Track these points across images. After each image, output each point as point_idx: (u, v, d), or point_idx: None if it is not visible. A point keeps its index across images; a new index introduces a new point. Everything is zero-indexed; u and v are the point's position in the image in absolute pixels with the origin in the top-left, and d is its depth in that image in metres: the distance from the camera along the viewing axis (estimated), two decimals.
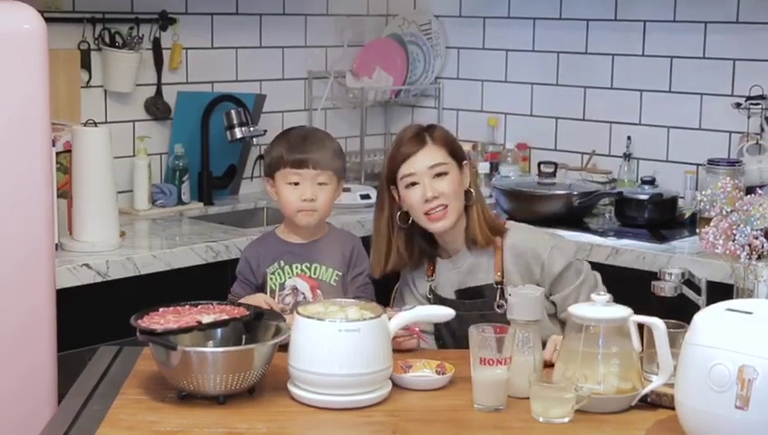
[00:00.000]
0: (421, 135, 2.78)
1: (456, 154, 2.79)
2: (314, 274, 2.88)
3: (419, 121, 4.75)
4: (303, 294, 2.85)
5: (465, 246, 2.82)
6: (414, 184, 2.75)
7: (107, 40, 3.93)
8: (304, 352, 2.26)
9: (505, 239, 2.80)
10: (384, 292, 3.13)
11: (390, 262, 2.84)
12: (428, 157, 2.75)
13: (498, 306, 2.72)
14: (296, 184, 2.84)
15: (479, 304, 2.75)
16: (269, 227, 3.12)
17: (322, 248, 2.90)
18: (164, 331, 2.29)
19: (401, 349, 2.56)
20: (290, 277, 2.87)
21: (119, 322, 2.48)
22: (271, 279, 2.87)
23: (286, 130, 2.99)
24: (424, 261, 2.86)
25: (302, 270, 2.88)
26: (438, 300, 2.82)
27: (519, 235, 2.82)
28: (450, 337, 2.79)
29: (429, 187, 2.73)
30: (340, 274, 2.88)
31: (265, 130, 4.10)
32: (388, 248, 2.83)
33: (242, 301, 2.70)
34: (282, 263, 2.88)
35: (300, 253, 2.89)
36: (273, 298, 2.83)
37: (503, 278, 2.77)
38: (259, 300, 2.71)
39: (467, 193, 2.80)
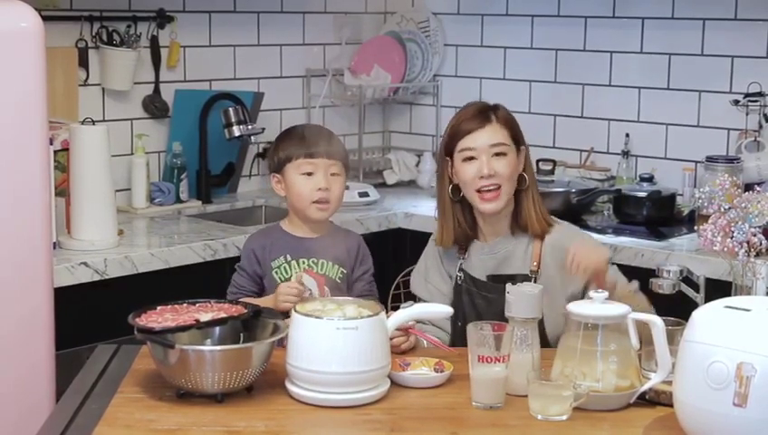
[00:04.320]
0: (486, 113, 2.78)
1: (516, 137, 2.80)
2: (321, 269, 2.87)
3: (418, 119, 4.83)
4: (311, 290, 2.85)
5: (508, 231, 2.81)
6: (471, 159, 2.75)
7: (104, 38, 3.93)
8: (302, 350, 2.26)
9: (553, 231, 2.80)
10: (383, 291, 3.14)
11: (461, 232, 2.82)
12: (491, 135, 2.75)
13: None
14: (309, 174, 2.84)
15: None
16: (281, 223, 3.11)
17: (328, 245, 2.89)
18: (162, 329, 2.29)
19: (399, 352, 2.54)
20: (296, 272, 2.86)
21: (117, 320, 2.48)
22: (276, 273, 2.86)
23: (292, 128, 2.98)
24: (466, 241, 2.84)
25: (308, 265, 2.87)
26: (470, 280, 2.81)
27: (563, 231, 2.83)
28: (477, 319, 2.71)
29: (487, 164, 2.73)
30: (345, 271, 2.88)
31: (263, 129, 4.10)
32: (453, 218, 2.82)
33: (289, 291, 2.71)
34: (288, 257, 2.86)
35: (306, 247, 2.87)
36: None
37: (538, 268, 2.76)
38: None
39: (521, 178, 2.80)
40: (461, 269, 2.84)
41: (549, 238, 2.79)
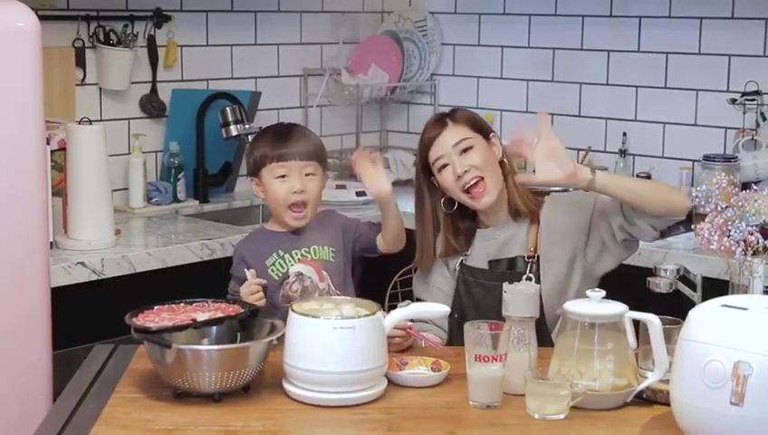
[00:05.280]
0: (442, 119, 2.84)
1: (481, 128, 2.85)
2: (315, 255, 2.88)
3: (415, 118, 4.83)
4: (310, 278, 2.85)
5: (508, 217, 2.85)
6: (445, 166, 2.79)
7: (101, 38, 3.93)
8: (299, 350, 2.26)
9: (542, 210, 2.85)
10: (380, 291, 3.14)
11: (439, 252, 2.87)
12: (451, 135, 2.80)
13: (527, 279, 2.73)
14: (283, 177, 2.85)
15: (508, 275, 2.73)
16: (265, 225, 3.14)
17: (314, 229, 2.91)
18: (159, 329, 2.29)
19: (398, 350, 2.55)
20: (291, 265, 2.87)
21: (114, 320, 2.47)
22: (273, 271, 2.87)
23: (264, 129, 3.01)
24: (471, 239, 2.88)
25: (302, 255, 2.88)
26: (466, 270, 2.84)
27: (556, 196, 2.92)
28: (473, 310, 2.78)
29: (458, 163, 2.77)
30: (335, 249, 2.90)
31: (261, 128, 4.07)
32: (434, 235, 2.87)
33: None
34: (280, 252, 2.88)
35: (295, 239, 2.89)
36: (279, 290, 2.83)
37: (535, 253, 2.80)
38: None
39: (502, 164, 2.84)
40: (461, 264, 2.86)
41: (543, 217, 2.84)
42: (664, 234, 3.63)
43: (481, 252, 2.85)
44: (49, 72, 3.26)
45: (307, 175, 2.86)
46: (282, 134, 2.91)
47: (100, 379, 2.42)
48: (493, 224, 2.86)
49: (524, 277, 2.71)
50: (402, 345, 2.58)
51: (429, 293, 2.88)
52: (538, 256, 2.80)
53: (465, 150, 2.78)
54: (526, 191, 2.86)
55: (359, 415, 2.23)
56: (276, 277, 2.85)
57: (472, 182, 2.77)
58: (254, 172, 2.91)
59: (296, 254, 2.87)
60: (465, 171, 2.76)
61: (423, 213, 2.88)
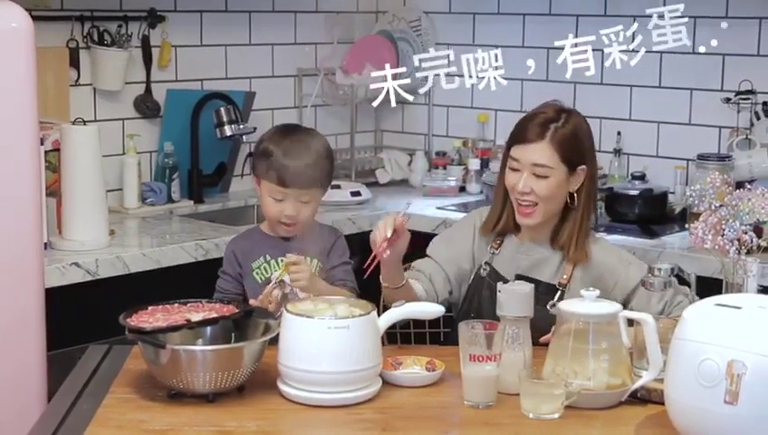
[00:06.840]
0: (546, 126, 2.75)
1: (570, 159, 2.75)
2: None
3: (410, 118, 4.82)
4: (290, 286, 2.84)
5: (547, 241, 2.81)
6: (515, 170, 2.76)
7: (95, 38, 3.92)
8: (294, 350, 2.26)
9: (588, 248, 2.80)
10: (374, 290, 3.13)
11: (501, 224, 2.84)
12: (537, 154, 2.73)
13: (551, 306, 2.68)
14: (280, 200, 2.83)
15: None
16: (260, 225, 3.13)
17: (306, 241, 2.89)
18: (153, 329, 2.29)
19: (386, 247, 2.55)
20: (276, 270, 2.86)
21: (108, 321, 2.47)
22: (257, 273, 2.87)
23: (282, 133, 2.90)
24: (507, 232, 2.85)
25: None
26: (496, 276, 2.81)
27: (598, 246, 2.82)
28: (491, 314, 2.71)
29: (525, 181, 2.73)
30: (321, 266, 2.88)
31: (255, 128, 4.09)
32: (501, 209, 2.84)
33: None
34: (267, 257, 2.87)
35: (285, 246, 2.87)
36: (260, 294, 2.83)
37: (568, 282, 2.77)
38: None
39: (572, 196, 2.78)
40: (488, 263, 2.85)
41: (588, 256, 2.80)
42: (659, 234, 3.65)
43: (512, 262, 2.83)
44: (43, 73, 3.25)
45: (303, 202, 2.84)
46: (289, 157, 2.81)
47: (94, 379, 2.42)
48: (529, 237, 2.83)
49: (550, 304, 2.68)
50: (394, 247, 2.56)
51: (445, 259, 2.85)
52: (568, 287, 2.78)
53: (539, 176, 2.73)
54: (583, 236, 2.78)
55: (353, 415, 2.23)
56: (259, 280, 2.85)
57: (524, 204, 2.75)
58: (256, 174, 2.89)
59: (282, 261, 2.86)
60: (526, 193, 2.73)
61: (500, 182, 2.85)
